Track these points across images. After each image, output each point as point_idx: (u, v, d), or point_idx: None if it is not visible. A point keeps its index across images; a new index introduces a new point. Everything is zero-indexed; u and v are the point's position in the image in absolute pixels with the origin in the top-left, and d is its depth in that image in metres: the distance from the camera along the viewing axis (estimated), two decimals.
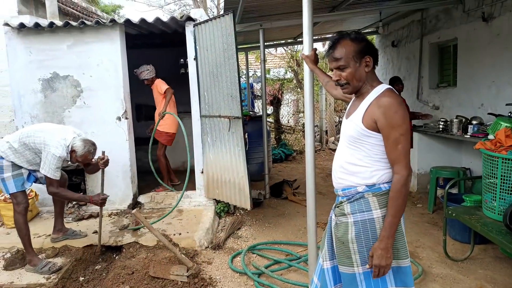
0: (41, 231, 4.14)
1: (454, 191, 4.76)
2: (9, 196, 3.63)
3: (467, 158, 5.36)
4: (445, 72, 6.28)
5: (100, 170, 3.76)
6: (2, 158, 3.41)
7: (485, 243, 3.79)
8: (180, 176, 5.73)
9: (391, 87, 1.82)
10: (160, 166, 5.40)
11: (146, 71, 5.24)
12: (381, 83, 1.84)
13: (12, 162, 3.43)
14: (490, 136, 3.65)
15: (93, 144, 3.51)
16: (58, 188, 3.50)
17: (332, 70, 1.87)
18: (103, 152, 3.77)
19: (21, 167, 3.48)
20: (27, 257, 3.50)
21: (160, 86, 5.23)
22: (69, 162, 3.53)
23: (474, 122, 4.65)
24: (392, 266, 1.79)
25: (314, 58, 2.53)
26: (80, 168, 4.80)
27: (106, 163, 3.73)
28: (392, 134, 1.70)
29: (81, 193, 4.91)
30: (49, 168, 3.34)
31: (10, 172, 3.42)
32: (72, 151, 3.41)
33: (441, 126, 5.10)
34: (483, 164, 3.28)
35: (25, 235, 3.46)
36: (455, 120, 4.84)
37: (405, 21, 7.10)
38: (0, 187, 3.60)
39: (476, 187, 4.42)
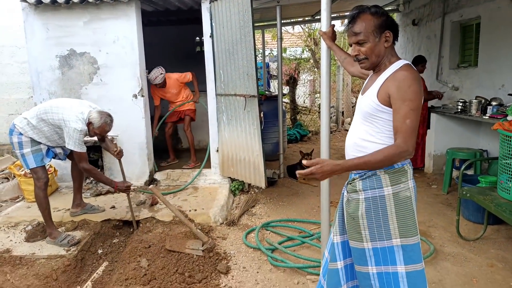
0: (61, 205, 4.27)
1: (470, 172, 4.71)
2: (29, 171, 3.72)
3: (485, 140, 5.26)
4: (466, 52, 6.10)
5: (118, 160, 3.82)
6: (21, 134, 3.46)
7: (498, 223, 3.79)
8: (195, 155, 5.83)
9: (409, 62, 1.78)
10: (191, 140, 5.64)
11: (160, 76, 5.29)
12: (399, 58, 1.81)
13: (31, 138, 3.48)
14: (509, 117, 3.57)
15: (109, 116, 3.53)
16: (89, 165, 3.57)
17: (351, 45, 1.85)
18: (116, 144, 3.82)
19: (39, 143, 3.53)
20: (47, 230, 3.60)
21: (182, 76, 5.44)
22: (87, 136, 3.58)
23: (493, 103, 4.53)
24: (401, 243, 1.81)
25: (332, 35, 2.49)
26: (98, 145, 4.90)
27: (120, 153, 3.77)
28: (403, 108, 1.67)
29: (100, 171, 5.02)
30: (74, 143, 3.39)
31: (30, 148, 3.48)
32: (89, 123, 3.44)
33: (459, 107, 5.00)
34: (500, 144, 3.24)
35: (45, 209, 3.54)
36: (474, 101, 4.73)
37: None
38: (20, 162, 3.69)
39: (492, 169, 4.36)
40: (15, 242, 3.61)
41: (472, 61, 5.85)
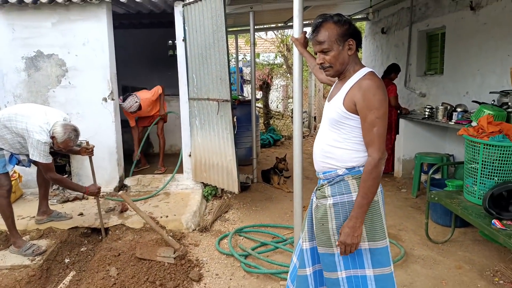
0: (25, 213, 4.10)
1: (438, 176, 4.86)
2: None
3: (451, 145, 5.46)
4: (433, 60, 6.33)
5: (89, 159, 3.72)
6: None
7: (465, 226, 3.92)
8: (166, 159, 5.74)
9: (373, 70, 1.83)
10: (163, 144, 5.61)
11: (135, 104, 5.16)
12: (363, 66, 1.85)
13: None
14: (473, 123, 3.72)
15: (75, 130, 3.35)
16: (57, 175, 3.45)
17: (316, 54, 1.87)
18: (87, 142, 3.72)
19: (2, 149, 3.37)
20: (11, 239, 3.45)
21: (154, 93, 5.35)
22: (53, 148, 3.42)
23: (458, 109, 4.72)
24: (369, 247, 1.83)
25: (304, 41, 2.53)
26: None
27: (91, 152, 3.67)
28: (369, 116, 1.72)
29: (66, 176, 4.87)
30: (39, 155, 3.25)
31: None
32: (53, 137, 3.28)
33: (427, 113, 5.17)
34: (465, 149, 3.36)
35: (8, 218, 3.39)
36: (440, 107, 4.91)
37: (395, 8, 7.09)
38: None
39: (458, 173, 4.52)
40: None
41: (438, 69, 6.07)
